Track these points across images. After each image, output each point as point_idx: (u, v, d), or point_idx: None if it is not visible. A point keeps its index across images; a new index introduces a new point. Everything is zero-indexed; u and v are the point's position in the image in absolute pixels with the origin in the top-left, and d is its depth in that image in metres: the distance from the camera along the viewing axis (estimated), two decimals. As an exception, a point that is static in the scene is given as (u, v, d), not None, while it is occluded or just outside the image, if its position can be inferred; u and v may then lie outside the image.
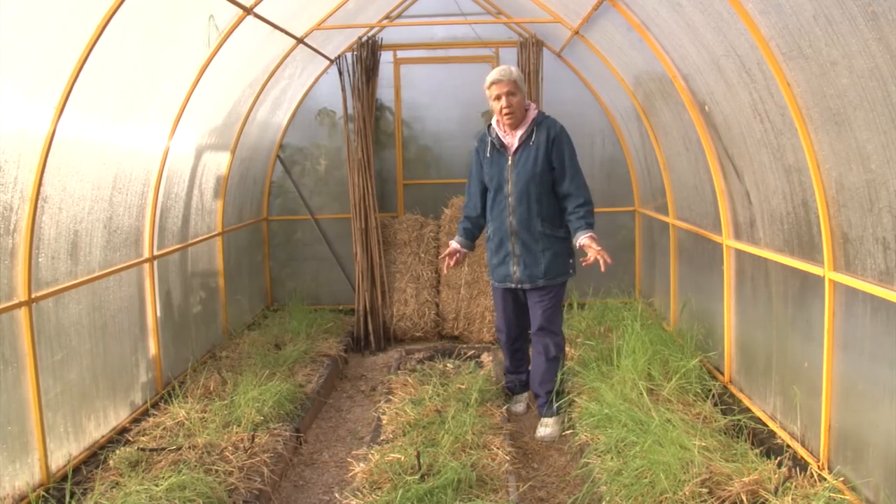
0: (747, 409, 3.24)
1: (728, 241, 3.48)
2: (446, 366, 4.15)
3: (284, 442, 3.27)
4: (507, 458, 3.02)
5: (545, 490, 3.05)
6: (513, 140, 3.25)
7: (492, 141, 3.32)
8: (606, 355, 3.75)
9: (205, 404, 3.53)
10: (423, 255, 5.33)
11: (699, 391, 3.41)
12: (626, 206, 5.41)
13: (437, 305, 5.33)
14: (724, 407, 3.31)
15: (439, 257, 3.55)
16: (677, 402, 3.28)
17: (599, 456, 2.95)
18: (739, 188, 3.25)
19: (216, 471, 2.87)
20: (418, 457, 2.78)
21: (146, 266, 3.67)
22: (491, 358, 4.52)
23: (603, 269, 3.07)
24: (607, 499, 2.61)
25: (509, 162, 3.28)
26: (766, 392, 3.16)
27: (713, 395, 3.36)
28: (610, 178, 5.39)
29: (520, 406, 3.84)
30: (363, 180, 5.02)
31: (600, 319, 4.63)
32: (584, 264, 3.22)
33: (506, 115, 3.21)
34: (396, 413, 3.49)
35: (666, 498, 2.45)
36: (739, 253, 3.38)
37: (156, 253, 3.77)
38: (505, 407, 3.64)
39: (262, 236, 5.68)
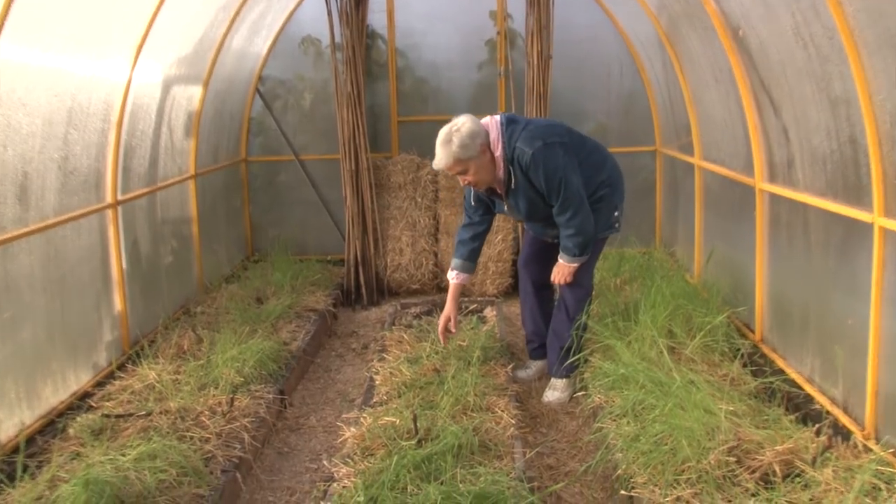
0: (781, 371, 3.21)
1: (761, 183, 3.44)
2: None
3: (267, 405, 3.25)
4: (513, 421, 3.01)
5: (555, 457, 3.05)
6: (499, 188, 3.30)
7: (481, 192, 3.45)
8: (623, 310, 3.71)
9: (178, 365, 3.50)
10: (419, 200, 5.32)
11: (726, 350, 3.37)
12: (646, 146, 5.34)
13: (436, 255, 5.32)
14: (754, 368, 3.27)
15: (439, 333, 3.56)
16: (702, 361, 3.25)
17: (614, 420, 2.93)
18: (776, 124, 3.19)
19: (191, 437, 2.86)
20: (415, 420, 2.77)
21: (109, 212, 3.60)
22: (495, 313, 4.52)
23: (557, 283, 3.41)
24: (623, 466, 2.59)
25: (506, 206, 3.39)
26: (802, 352, 3.13)
27: (742, 355, 3.32)
28: (628, 114, 5.31)
29: (527, 372, 3.83)
30: (353, 116, 4.93)
31: (616, 271, 4.59)
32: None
33: (473, 186, 3.27)
34: (391, 373, 3.47)
35: (689, 467, 2.42)
36: (774, 197, 3.34)
37: (120, 198, 3.70)
38: (511, 366, 3.63)
39: (241, 179, 5.62)
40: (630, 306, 3.72)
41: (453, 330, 3.56)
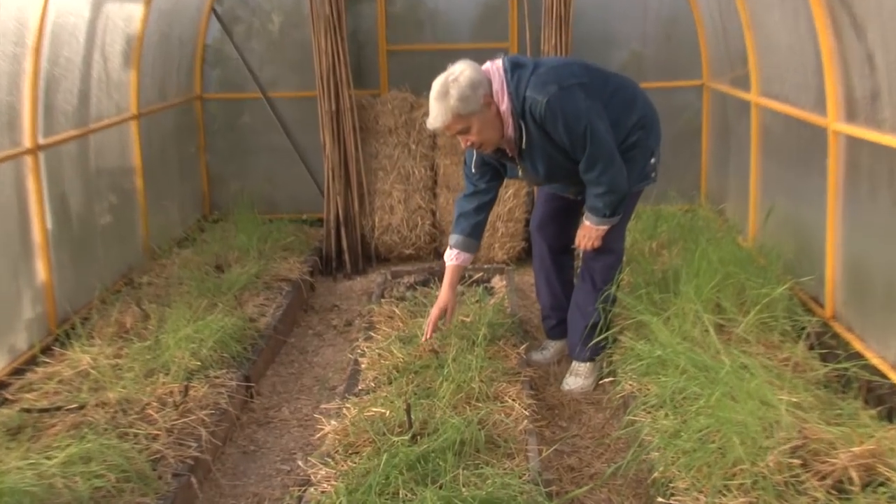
0: (858, 355, 3.16)
1: (836, 124, 3.41)
2: None
3: (230, 395, 3.25)
4: (526, 413, 3.01)
5: (577, 456, 3.05)
6: (509, 150, 3.29)
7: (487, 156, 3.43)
8: (660, 280, 3.69)
9: (119, 347, 3.50)
10: (413, 147, 5.29)
11: (788, 329, 3.35)
12: (690, 80, 5.31)
13: (434, 214, 5.32)
14: (823, 351, 3.25)
15: (427, 323, 3.48)
16: (757, 342, 3.24)
17: (649, 412, 2.93)
18: (858, 49, 3.15)
19: (135, 435, 2.85)
20: (408, 411, 2.77)
21: (27, 159, 3.54)
22: (504, 283, 4.49)
23: (581, 249, 3.44)
24: (660, 468, 2.59)
25: (520, 170, 3.39)
26: (886, 332, 3.09)
27: (808, 335, 3.29)
28: (669, 41, 5.30)
29: (543, 354, 3.84)
30: (332, 45, 4.88)
31: (652, 232, 4.57)
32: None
33: (477, 149, 3.25)
34: (380, 355, 3.48)
35: (741, 470, 2.40)
36: (852, 141, 3.31)
37: (41, 141, 3.64)
38: (523, 347, 3.62)
39: (196, 121, 5.59)
40: (669, 275, 3.70)
41: (448, 324, 3.51)
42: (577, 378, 3.60)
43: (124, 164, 4.59)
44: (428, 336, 3.47)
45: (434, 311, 3.50)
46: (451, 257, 3.50)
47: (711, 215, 4.98)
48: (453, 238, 3.50)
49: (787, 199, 4.08)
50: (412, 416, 2.80)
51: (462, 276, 3.79)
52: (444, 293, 3.51)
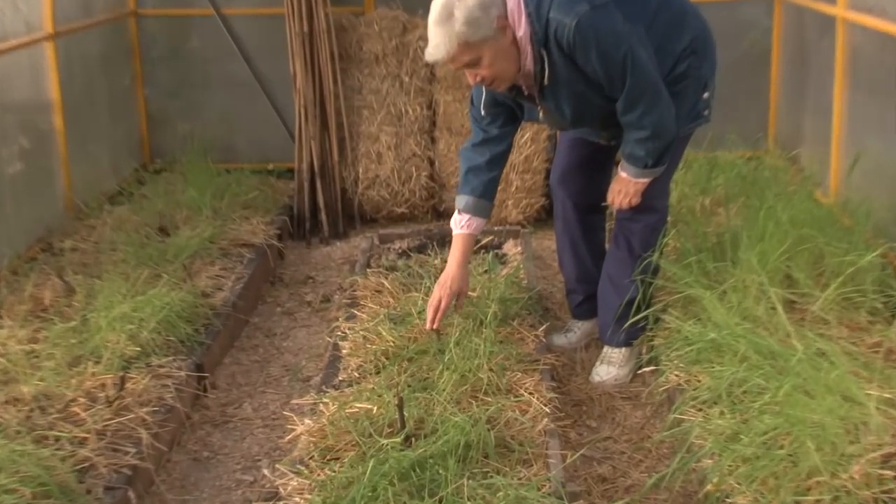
0: None
1: None
2: (446, 260, 3.88)
3: (178, 388, 3.25)
4: (547, 409, 3.00)
5: (609, 463, 3.05)
6: (526, 87, 3.27)
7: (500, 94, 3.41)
8: (715, 245, 3.68)
9: (35, 329, 3.48)
10: (406, 80, 5.26)
11: (879, 306, 3.33)
12: None
13: (432, 162, 5.34)
14: None
15: (429, 307, 3.39)
16: (839, 323, 3.22)
17: (700, 409, 2.92)
18: None
19: (57, 439, 2.81)
20: (400, 407, 2.75)
21: None
22: (520, 249, 4.48)
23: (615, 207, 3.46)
24: (714, 480, 2.58)
25: (540, 112, 3.38)
26: None
27: (905, 315, 3.47)
28: None
29: (568, 338, 3.86)
30: None
31: (705, 186, 4.56)
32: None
33: (489, 86, 3.23)
34: (365, 337, 3.49)
35: (817, 483, 2.39)
36: None
37: None
38: (543, 328, 3.62)
39: (130, 44, 5.55)
40: (726, 239, 3.69)
41: (460, 310, 3.49)
42: (610, 367, 3.59)
43: (37, 97, 4.54)
44: (432, 325, 3.39)
45: (443, 296, 3.37)
46: (461, 224, 3.46)
47: (781, 164, 4.98)
48: (462, 200, 3.47)
49: (880, 144, 4.05)
50: (405, 414, 2.78)
51: (474, 248, 3.75)
52: (451, 271, 3.45)
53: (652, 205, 3.43)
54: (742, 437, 2.67)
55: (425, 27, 3.12)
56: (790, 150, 5.15)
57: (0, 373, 3.21)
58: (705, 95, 3.39)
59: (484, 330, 3.38)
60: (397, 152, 5.25)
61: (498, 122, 3.42)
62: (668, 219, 3.60)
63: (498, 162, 3.46)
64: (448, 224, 3.48)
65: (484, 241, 4.53)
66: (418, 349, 3.33)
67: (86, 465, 2.75)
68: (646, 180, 3.33)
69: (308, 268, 4.86)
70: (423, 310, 3.52)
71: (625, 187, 3.35)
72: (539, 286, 4.09)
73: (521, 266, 4.20)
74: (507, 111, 3.44)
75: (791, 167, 4.95)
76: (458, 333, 3.34)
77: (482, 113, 3.41)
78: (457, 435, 2.67)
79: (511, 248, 4.51)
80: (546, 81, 3.16)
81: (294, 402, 3.44)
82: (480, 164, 3.42)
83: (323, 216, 5.23)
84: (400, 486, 2.51)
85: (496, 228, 4.79)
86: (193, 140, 5.52)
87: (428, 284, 3.79)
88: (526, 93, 3.30)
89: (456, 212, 3.50)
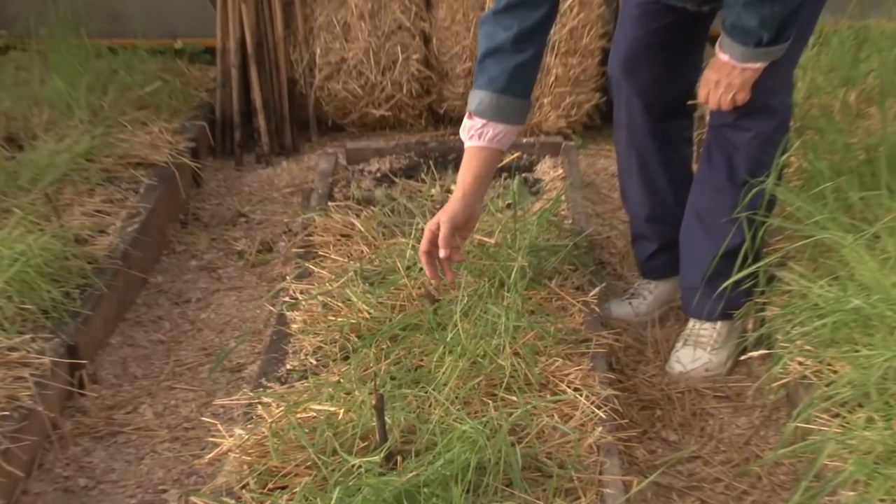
0: None
1: None
2: (451, 192, 3.81)
3: (39, 382, 3.15)
4: (602, 414, 2.93)
5: (698, 495, 3.02)
6: None
7: None
8: (862, 164, 3.65)
9: None
10: None
11: None
12: None
13: (428, 40, 5.20)
14: None
15: (421, 252, 3.40)
16: None
17: (837, 414, 2.87)
18: None
19: None
20: (380, 410, 2.65)
21: None
22: (561, 171, 4.30)
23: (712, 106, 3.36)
24: None
25: None
26: None
27: None
28: None
29: (633, 306, 3.85)
30: None
31: (848, 74, 4.49)
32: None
33: None
34: (326, 305, 3.40)
35: None
36: None
37: None
38: (596, 291, 3.55)
39: None
40: (879, 155, 3.65)
41: (460, 257, 3.39)
42: (699, 351, 3.53)
43: None
44: (434, 279, 3.38)
45: (442, 225, 3.30)
46: (475, 133, 3.31)
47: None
48: (477, 98, 3.29)
49: None
50: (387, 420, 2.68)
51: (495, 171, 3.58)
52: (459, 200, 3.32)
53: (766, 104, 3.28)
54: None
55: None
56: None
57: None
58: None
59: (507, 294, 3.26)
60: (374, 23, 5.07)
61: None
62: (791, 125, 3.43)
63: (533, 39, 3.30)
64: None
65: (507, 161, 4.38)
66: (406, 322, 3.18)
67: None
68: (758, 65, 3.18)
69: (238, 200, 4.75)
70: (416, 264, 3.43)
71: (726, 76, 3.24)
72: (590, 228, 3.97)
73: (564, 198, 4.06)
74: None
75: None
76: (466, 299, 3.22)
77: None
78: (464, 452, 2.61)
79: (548, 170, 4.44)
80: None
81: (218, 402, 3.33)
82: (505, 42, 3.27)
83: (260, 121, 5.09)
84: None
85: (526, 141, 4.59)
86: (57, 4, 5.39)
87: (421, 225, 3.56)
88: None
89: (467, 115, 3.30)
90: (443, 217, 3.25)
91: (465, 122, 3.29)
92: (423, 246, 3.26)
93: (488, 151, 3.30)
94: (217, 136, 5.23)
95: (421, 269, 3.42)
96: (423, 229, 3.43)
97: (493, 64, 3.26)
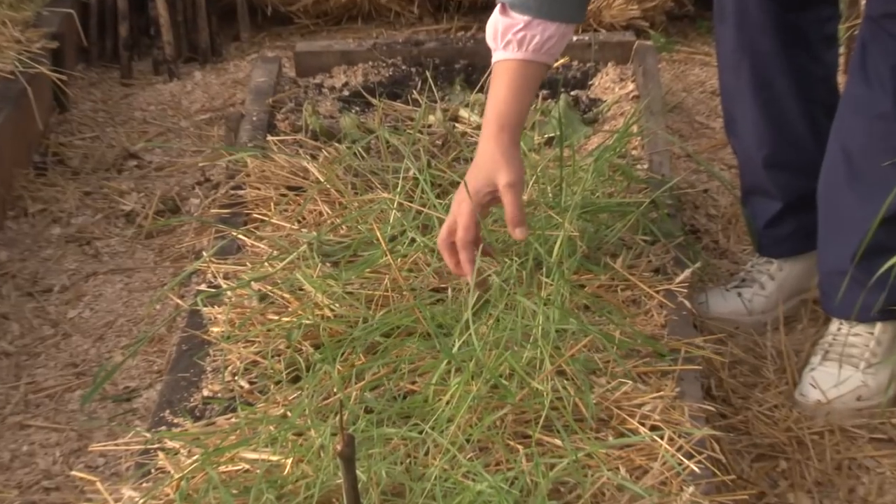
0: None
1: None
2: (459, 121, 3.82)
3: None
4: (693, 465, 2.64)
5: None
6: None
7: None
8: None
9: None
10: None
11: None
12: None
13: None
14: None
15: (441, 239, 3.12)
16: None
17: None
18: None
19: None
20: (347, 459, 2.25)
21: None
22: (630, 86, 3.98)
23: None
24: None
25: None
26: None
27: None
28: None
29: (745, 298, 3.48)
30: None
31: None
32: None
33: None
34: (264, 298, 3.13)
35: None
36: None
37: None
38: (685, 275, 3.20)
39: None
40: None
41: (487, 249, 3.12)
42: (848, 368, 3.15)
43: None
44: (461, 272, 3.08)
45: (462, 212, 2.94)
46: (517, 38, 2.99)
47: None
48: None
49: None
50: (360, 476, 2.43)
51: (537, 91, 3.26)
52: (490, 153, 2.97)
53: None
54: None
55: None
56: None
57: None
58: None
59: (546, 281, 2.86)
60: None
61: None
62: None
63: None
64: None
65: (548, 71, 4.09)
66: (390, 324, 2.78)
67: None
68: None
69: (126, 133, 4.19)
70: (412, 229, 3.10)
71: None
72: (677, 177, 3.65)
73: (636, 129, 3.72)
74: None
75: None
76: (487, 284, 2.89)
77: None
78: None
79: (611, 85, 4.08)
80: None
81: (96, 448, 2.91)
82: None
83: (160, 8, 4.48)
84: None
85: (578, 39, 4.21)
86: None
87: (413, 174, 3.25)
88: None
89: (499, 9, 2.84)
90: (458, 210, 3.06)
91: (496, 19, 2.94)
92: (443, 234, 3.09)
93: (535, 67, 2.97)
94: (92, 31, 4.76)
95: (413, 240, 3.30)
96: (428, 192, 3.43)
97: None
